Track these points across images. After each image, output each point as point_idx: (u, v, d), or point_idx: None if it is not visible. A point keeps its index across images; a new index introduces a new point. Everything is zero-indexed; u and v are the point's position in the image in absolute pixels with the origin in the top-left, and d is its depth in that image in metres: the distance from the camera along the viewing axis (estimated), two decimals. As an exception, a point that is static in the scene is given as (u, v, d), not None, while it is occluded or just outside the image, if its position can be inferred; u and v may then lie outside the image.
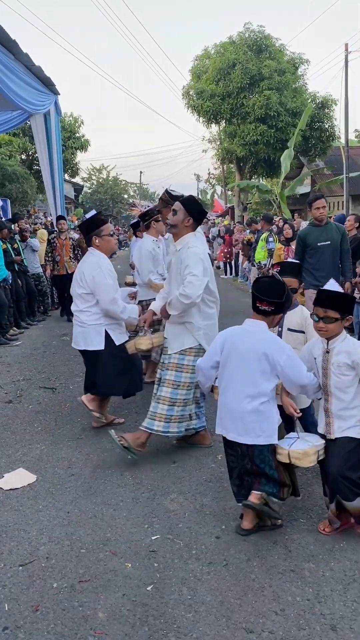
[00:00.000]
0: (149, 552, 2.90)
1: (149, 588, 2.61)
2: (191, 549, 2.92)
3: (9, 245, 8.62)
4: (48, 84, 11.28)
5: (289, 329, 3.55)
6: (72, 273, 8.12)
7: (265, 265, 10.74)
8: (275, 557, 2.84)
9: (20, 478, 3.79)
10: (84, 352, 4.52)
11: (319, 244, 5.89)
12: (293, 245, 8.28)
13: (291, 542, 2.96)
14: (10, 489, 3.62)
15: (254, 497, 2.99)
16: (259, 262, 11.13)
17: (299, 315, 3.59)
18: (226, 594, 2.57)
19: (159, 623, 2.39)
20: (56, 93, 12.08)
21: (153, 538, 3.03)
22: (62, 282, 9.78)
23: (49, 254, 10.22)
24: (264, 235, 11.09)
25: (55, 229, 10.86)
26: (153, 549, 2.93)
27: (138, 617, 2.42)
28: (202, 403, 4.11)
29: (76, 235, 11.10)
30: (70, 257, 10.00)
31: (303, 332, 3.57)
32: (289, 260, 4.16)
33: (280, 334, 3.48)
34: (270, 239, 10.88)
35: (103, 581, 2.67)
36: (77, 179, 36.55)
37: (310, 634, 2.31)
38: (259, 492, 2.99)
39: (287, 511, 3.27)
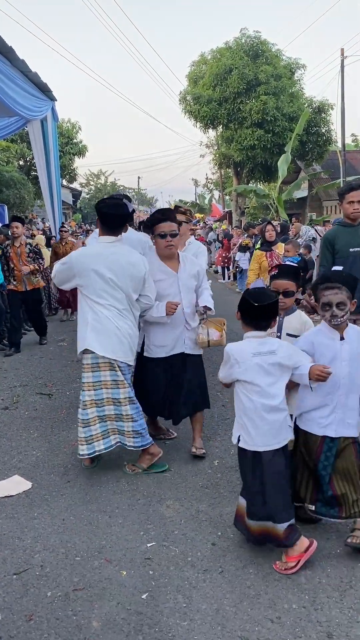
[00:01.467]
0: (144, 559, 2.88)
1: (143, 596, 2.59)
2: (187, 556, 2.90)
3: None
4: (45, 90, 11.31)
5: (288, 334, 3.52)
6: (34, 290, 7.97)
7: None
8: (271, 564, 2.82)
9: (15, 485, 3.76)
10: None
11: (351, 250, 4.49)
12: (277, 250, 7.54)
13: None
14: (6, 496, 3.60)
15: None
16: None
17: (298, 319, 3.56)
18: (222, 602, 2.55)
19: (154, 632, 2.37)
20: (53, 99, 12.11)
21: (148, 545, 3.01)
22: (21, 301, 7.94)
23: (4, 265, 7.78)
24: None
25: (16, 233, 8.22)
26: (148, 556, 2.91)
27: (132, 626, 2.40)
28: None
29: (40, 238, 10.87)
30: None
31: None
32: (288, 263, 4.08)
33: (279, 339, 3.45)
34: None
35: (98, 589, 2.65)
36: (75, 185, 36.58)
37: (306, 642, 2.29)
38: None
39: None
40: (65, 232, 10.49)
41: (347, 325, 2.94)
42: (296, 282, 3.54)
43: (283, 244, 8.64)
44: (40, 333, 8.48)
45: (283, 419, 2.87)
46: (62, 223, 12.57)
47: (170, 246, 3.87)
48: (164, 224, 3.86)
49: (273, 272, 3.56)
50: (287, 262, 3.85)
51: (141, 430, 3.76)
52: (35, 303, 8.25)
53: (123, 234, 3.88)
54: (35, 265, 7.83)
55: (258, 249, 7.18)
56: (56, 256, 9.60)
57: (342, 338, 2.91)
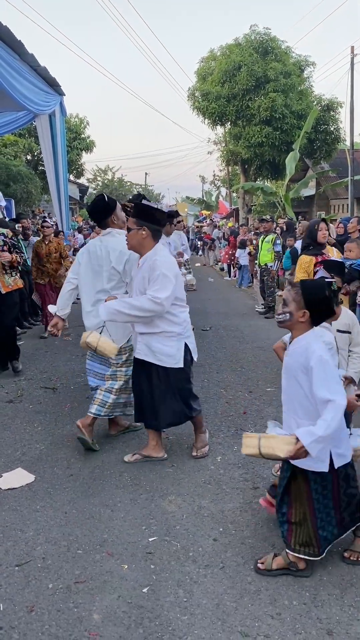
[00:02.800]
0: (145, 553, 2.89)
1: (144, 590, 2.60)
2: (188, 551, 2.91)
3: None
4: (53, 85, 11.31)
5: (338, 330, 3.52)
6: (8, 294, 6.02)
7: (272, 267, 10.48)
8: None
9: (18, 478, 3.78)
10: None
11: None
12: (329, 254, 6.73)
13: (289, 546, 2.94)
14: (9, 489, 3.62)
15: None
16: (265, 264, 10.62)
17: (345, 314, 3.57)
18: (222, 597, 2.55)
19: (154, 625, 2.37)
20: (61, 94, 12.10)
21: (150, 540, 3.02)
22: None
23: None
24: (271, 237, 10.62)
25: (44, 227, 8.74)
26: (150, 550, 2.91)
27: (133, 619, 2.41)
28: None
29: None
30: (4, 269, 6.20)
31: (349, 333, 3.58)
32: (333, 258, 3.95)
33: None
34: (278, 241, 10.78)
35: (99, 582, 2.66)
36: (82, 180, 36.58)
37: (306, 638, 2.30)
38: None
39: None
40: (48, 228, 8.70)
41: (300, 332, 2.63)
42: (341, 278, 3.49)
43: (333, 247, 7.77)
44: (12, 353, 6.34)
45: None
46: (44, 218, 11.27)
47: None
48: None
49: (317, 269, 3.53)
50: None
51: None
52: (9, 309, 6.19)
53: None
54: (13, 256, 6.16)
55: (304, 253, 5.72)
56: (37, 258, 8.33)
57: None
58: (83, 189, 38.95)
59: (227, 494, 3.52)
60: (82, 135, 25.92)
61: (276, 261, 10.59)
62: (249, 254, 14.02)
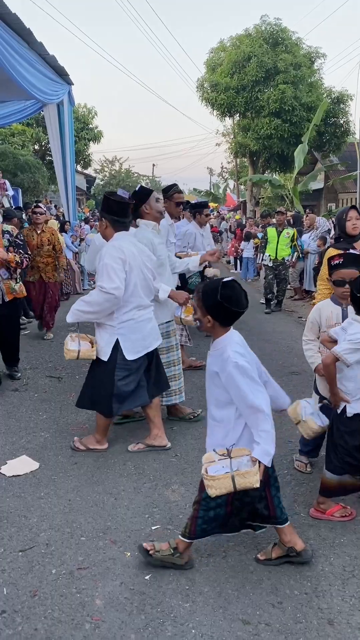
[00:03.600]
0: (148, 542, 2.90)
1: (147, 577, 2.62)
2: (191, 540, 2.92)
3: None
4: (62, 74, 11.27)
5: None
6: (11, 303, 5.32)
7: (288, 261, 10.23)
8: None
9: (23, 465, 3.81)
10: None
11: None
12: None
13: (291, 536, 2.95)
14: (13, 476, 3.64)
15: None
16: (282, 258, 10.11)
17: None
18: (224, 586, 2.57)
19: (156, 612, 2.39)
20: (70, 83, 12.07)
21: (153, 528, 3.04)
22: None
23: None
24: (291, 232, 10.21)
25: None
26: (152, 538, 2.93)
27: (135, 605, 2.43)
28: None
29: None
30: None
31: None
32: (352, 251, 3.85)
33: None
34: (300, 238, 10.60)
35: (102, 569, 2.68)
36: (89, 171, 36.54)
37: (307, 628, 2.31)
38: None
39: (288, 505, 3.26)
40: (41, 214, 7.52)
41: (218, 335, 2.57)
42: None
43: None
44: (11, 361, 5.87)
45: None
46: (37, 202, 10.26)
47: None
48: None
49: (337, 261, 3.47)
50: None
51: None
52: (11, 321, 5.66)
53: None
54: (22, 256, 5.43)
55: (332, 246, 4.89)
56: (28, 247, 6.56)
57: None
58: (90, 180, 38.90)
59: (230, 484, 3.52)
60: (90, 126, 25.86)
61: (294, 254, 10.38)
62: (255, 247, 13.97)
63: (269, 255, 10.22)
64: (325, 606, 2.43)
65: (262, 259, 10.52)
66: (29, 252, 5.93)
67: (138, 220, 4.28)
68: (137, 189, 4.35)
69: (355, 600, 2.47)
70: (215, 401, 2.61)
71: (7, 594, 2.51)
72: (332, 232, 11.12)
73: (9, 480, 3.59)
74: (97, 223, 9.40)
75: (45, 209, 8.87)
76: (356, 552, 2.83)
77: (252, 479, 2.40)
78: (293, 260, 10.44)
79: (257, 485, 2.39)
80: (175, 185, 5.43)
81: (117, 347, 3.78)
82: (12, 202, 11.34)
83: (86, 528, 3.03)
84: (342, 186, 23.94)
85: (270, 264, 10.19)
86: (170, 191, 5.27)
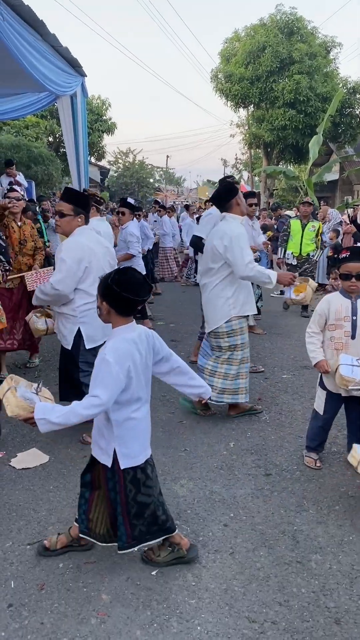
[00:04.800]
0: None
1: (153, 573, 2.62)
2: (198, 536, 2.92)
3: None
4: (75, 66, 11.20)
5: None
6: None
7: (313, 256, 9.04)
8: (283, 547, 2.82)
9: (33, 458, 3.83)
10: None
11: None
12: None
13: (299, 533, 2.94)
14: (23, 468, 3.66)
15: None
16: (307, 254, 8.98)
17: None
18: (231, 582, 2.56)
19: (162, 608, 2.39)
20: (83, 75, 12.00)
21: (161, 523, 3.03)
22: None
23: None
24: (317, 225, 9.16)
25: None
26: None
27: (141, 601, 2.43)
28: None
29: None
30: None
31: None
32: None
33: (355, 323, 3.42)
34: (325, 231, 10.03)
35: (108, 564, 2.68)
36: (103, 162, 36.50)
37: (314, 627, 2.30)
38: None
39: (297, 501, 3.25)
40: (19, 200, 5.56)
41: (115, 325, 2.50)
42: None
43: None
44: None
45: None
46: (10, 184, 8.91)
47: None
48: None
49: (344, 255, 3.44)
50: None
51: None
52: None
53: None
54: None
55: None
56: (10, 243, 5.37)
57: None
58: (104, 172, 38.91)
59: (239, 479, 3.52)
60: (104, 117, 25.80)
61: (318, 250, 9.26)
62: (269, 239, 13.83)
63: (292, 253, 9.01)
64: (333, 605, 2.42)
65: (285, 256, 9.20)
66: (9, 256, 4.84)
67: (225, 213, 4.32)
68: (224, 181, 4.42)
69: (362, 599, 2.45)
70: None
71: (15, 587, 2.52)
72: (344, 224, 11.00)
73: (18, 472, 3.62)
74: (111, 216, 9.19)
75: (22, 192, 6.94)
76: (365, 550, 2.80)
77: (13, 402, 2.45)
78: (316, 258, 9.30)
79: (8, 413, 2.42)
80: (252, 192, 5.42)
81: (79, 335, 3.89)
82: (25, 194, 11.37)
83: (94, 522, 3.04)
84: (357, 177, 23.69)
85: (294, 262, 8.97)
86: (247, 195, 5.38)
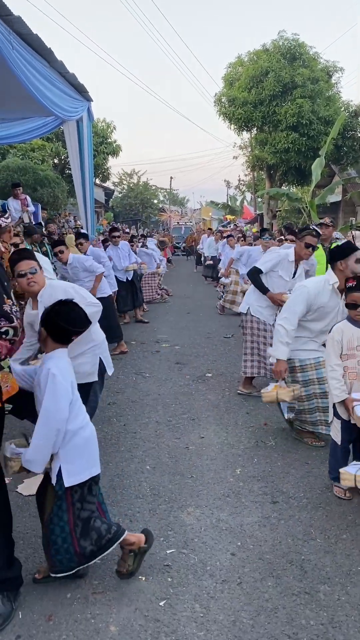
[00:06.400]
0: (163, 566, 2.90)
1: (161, 603, 2.61)
2: (206, 565, 2.91)
3: (39, 249, 8.73)
4: (81, 91, 11.42)
5: None
6: None
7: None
8: (291, 577, 2.81)
9: (39, 483, 3.81)
10: None
11: None
12: None
13: (307, 563, 2.93)
14: (30, 495, 3.66)
15: None
16: None
17: None
18: (239, 614, 2.55)
19: (170, 640, 2.38)
20: (89, 100, 12.22)
21: (168, 552, 3.03)
22: None
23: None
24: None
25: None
26: (167, 563, 2.92)
27: (149, 633, 2.42)
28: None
29: None
30: None
31: None
32: None
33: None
34: None
35: (117, 594, 2.67)
36: (108, 184, 36.87)
37: (323, 660, 2.28)
38: None
39: (304, 530, 3.23)
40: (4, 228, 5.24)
41: (48, 350, 2.66)
42: None
43: None
44: None
45: None
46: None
47: (31, 283, 3.72)
48: (20, 263, 3.71)
49: (350, 284, 3.48)
50: None
51: None
52: None
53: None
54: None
55: None
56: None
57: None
58: (109, 193, 39.27)
59: (246, 507, 3.51)
60: (109, 140, 26.13)
61: None
62: None
63: None
64: (342, 638, 2.40)
65: None
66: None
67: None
68: (342, 243, 4.34)
69: (372, 632, 2.44)
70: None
71: (22, 617, 2.52)
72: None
73: (25, 499, 3.62)
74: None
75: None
76: (373, 581, 2.79)
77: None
78: None
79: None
80: (311, 229, 5.20)
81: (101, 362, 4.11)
82: (32, 218, 11.50)
83: (101, 551, 3.03)
84: (360, 199, 23.83)
85: None
86: (304, 232, 5.18)
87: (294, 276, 5.38)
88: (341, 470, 3.31)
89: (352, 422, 3.48)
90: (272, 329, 5.10)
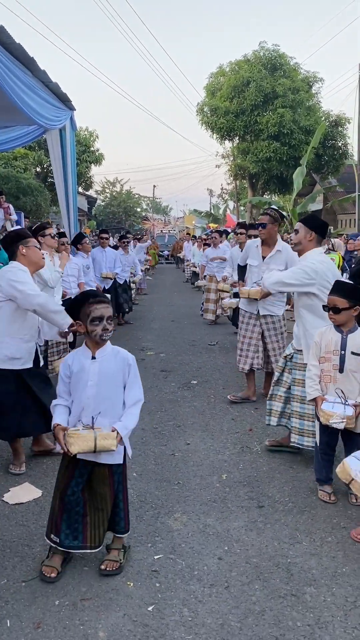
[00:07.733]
0: (150, 571, 2.91)
1: (150, 608, 2.62)
2: (193, 570, 2.93)
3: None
4: (64, 100, 11.47)
5: (353, 352, 3.51)
6: None
7: None
8: (277, 580, 2.84)
9: (26, 492, 3.81)
10: None
11: None
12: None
13: (293, 566, 2.96)
14: (16, 504, 3.65)
15: None
16: None
17: None
18: (227, 617, 2.57)
19: (159, 644, 2.39)
20: (72, 109, 12.27)
21: (155, 557, 3.04)
22: None
23: None
24: (336, 256, 9.39)
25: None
26: (155, 568, 2.94)
27: (138, 638, 2.43)
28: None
29: None
30: None
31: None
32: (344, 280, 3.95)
33: (343, 357, 3.51)
34: (346, 266, 10.27)
35: (105, 600, 2.68)
36: (90, 192, 36.90)
37: (310, 661, 2.31)
38: None
39: (290, 534, 3.27)
40: None
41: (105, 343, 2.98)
42: (349, 300, 3.46)
43: None
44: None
45: None
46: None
47: None
48: None
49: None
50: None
51: None
52: None
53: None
54: None
55: None
56: None
57: (93, 357, 2.93)
58: (91, 201, 39.31)
59: (232, 512, 3.54)
60: (92, 148, 26.23)
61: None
62: None
63: None
64: (328, 638, 2.43)
65: None
66: None
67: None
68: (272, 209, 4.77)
69: (357, 631, 2.48)
70: None
71: (11, 626, 2.51)
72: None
73: (12, 508, 3.60)
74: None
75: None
76: (358, 582, 2.83)
77: (110, 441, 2.73)
78: None
79: (114, 448, 2.74)
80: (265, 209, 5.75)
81: None
82: (15, 226, 11.47)
83: (89, 557, 3.03)
84: (340, 208, 24.20)
85: None
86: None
87: (263, 260, 5.57)
88: (345, 460, 3.18)
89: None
90: (258, 318, 5.60)
